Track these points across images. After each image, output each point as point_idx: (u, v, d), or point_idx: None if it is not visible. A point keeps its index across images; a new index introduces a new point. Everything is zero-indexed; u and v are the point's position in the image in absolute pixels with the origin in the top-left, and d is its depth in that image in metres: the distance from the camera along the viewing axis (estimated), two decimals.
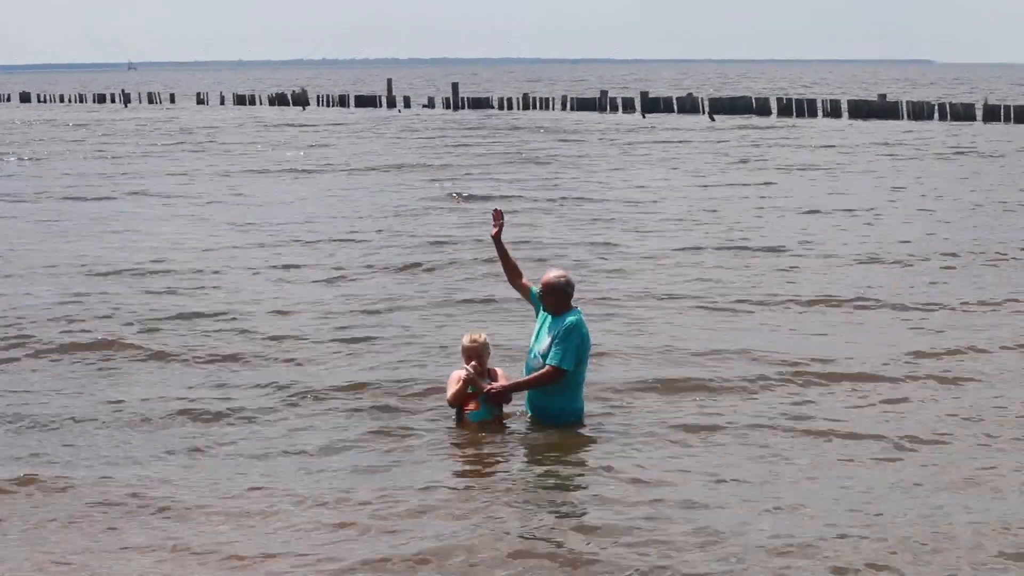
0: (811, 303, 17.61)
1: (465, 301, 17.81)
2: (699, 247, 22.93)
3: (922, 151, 46.67)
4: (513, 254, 12.17)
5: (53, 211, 29.80)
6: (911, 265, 20.88)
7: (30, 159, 46.51)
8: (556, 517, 9.53)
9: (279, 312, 17.30)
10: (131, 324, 16.35)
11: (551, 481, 10.30)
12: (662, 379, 13.49)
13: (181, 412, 12.42)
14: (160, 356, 14.75)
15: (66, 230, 26.23)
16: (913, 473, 10.52)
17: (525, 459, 10.87)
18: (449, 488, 10.16)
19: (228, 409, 12.51)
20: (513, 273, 11.95)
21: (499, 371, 11.68)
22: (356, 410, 12.45)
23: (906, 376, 13.59)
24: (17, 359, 14.71)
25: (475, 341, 11.51)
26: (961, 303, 17.51)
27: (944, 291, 18.43)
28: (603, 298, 17.78)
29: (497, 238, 11.89)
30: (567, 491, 10.12)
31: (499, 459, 10.84)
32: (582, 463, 10.76)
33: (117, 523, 9.49)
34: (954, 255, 21.77)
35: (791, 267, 20.74)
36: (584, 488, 10.17)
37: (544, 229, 25.52)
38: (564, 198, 31.36)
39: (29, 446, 11.38)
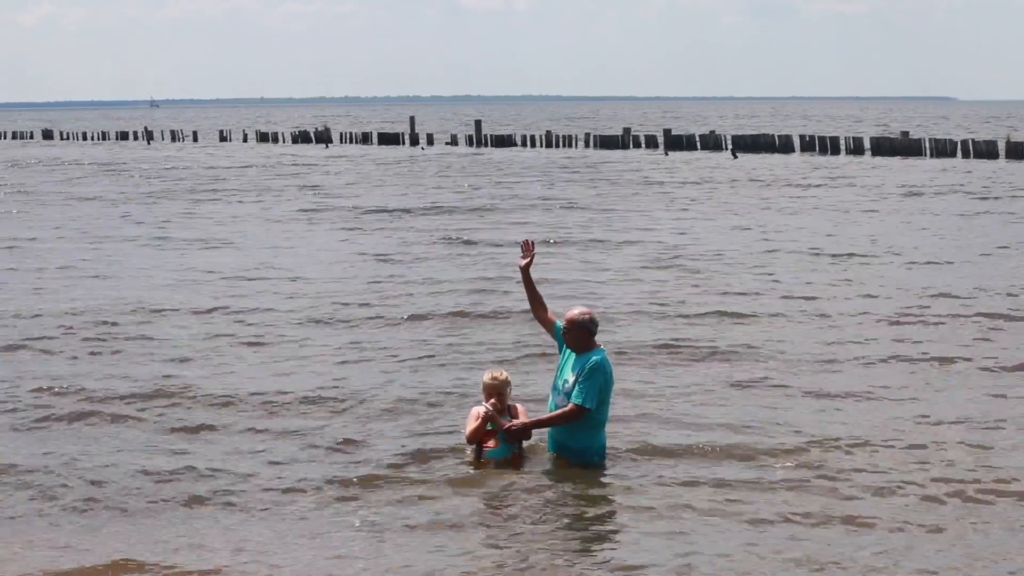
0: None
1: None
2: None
3: None
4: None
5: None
6: None
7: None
8: (576, 555, 9.40)
9: (294, 348, 17.26)
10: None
11: (570, 520, 10.18)
12: (687, 419, 13.36)
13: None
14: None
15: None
16: None
17: (543, 497, 10.73)
18: (465, 526, 10.04)
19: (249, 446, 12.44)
20: (538, 306, 11.84)
21: (520, 408, 11.57)
22: (369, 445, 12.37)
23: None
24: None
25: (495, 379, 11.41)
26: None
27: None
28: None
29: (525, 269, 11.77)
30: (586, 531, 9.98)
31: (517, 497, 10.69)
32: (602, 502, 10.63)
33: None
34: None
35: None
36: (605, 527, 10.05)
37: None
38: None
39: None
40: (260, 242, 30.72)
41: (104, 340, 17.75)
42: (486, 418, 11.31)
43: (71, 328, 18.65)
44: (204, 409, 13.94)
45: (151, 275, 24.65)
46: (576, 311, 11.41)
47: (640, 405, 13.87)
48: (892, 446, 12.27)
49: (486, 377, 11.50)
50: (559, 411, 11.22)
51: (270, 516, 10.40)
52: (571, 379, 11.20)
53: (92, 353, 16.95)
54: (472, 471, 11.38)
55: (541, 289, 12.17)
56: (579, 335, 11.29)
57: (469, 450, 11.61)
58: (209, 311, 20.22)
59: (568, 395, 11.18)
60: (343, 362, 16.39)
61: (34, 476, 11.44)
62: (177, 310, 20.26)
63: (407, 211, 38.97)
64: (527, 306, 12.09)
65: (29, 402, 14.28)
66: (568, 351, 11.40)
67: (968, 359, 16.21)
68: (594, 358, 11.21)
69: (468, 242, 30.03)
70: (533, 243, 12.00)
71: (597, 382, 11.14)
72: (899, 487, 10.98)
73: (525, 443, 11.51)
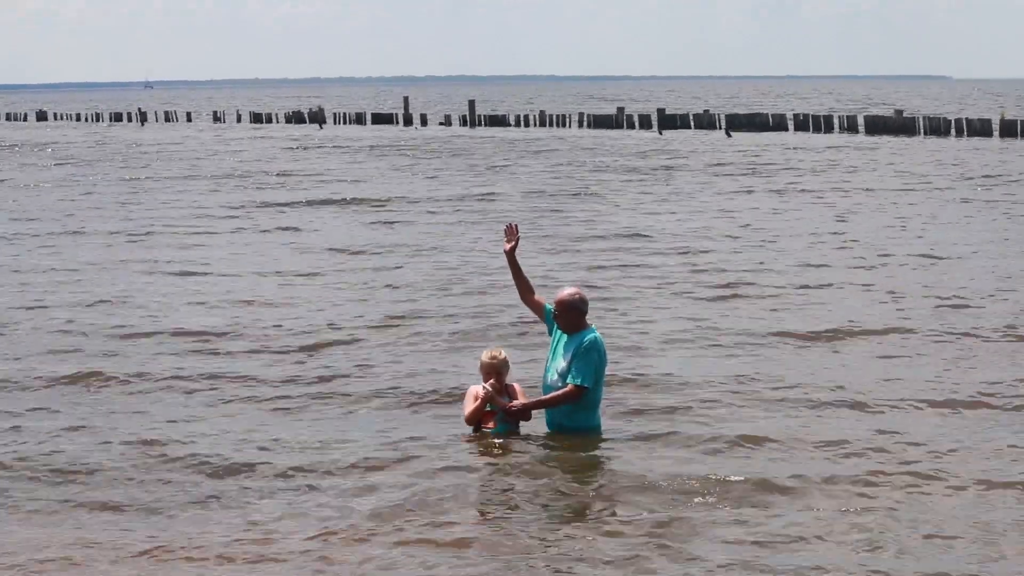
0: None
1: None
2: None
3: None
4: None
5: None
6: None
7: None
8: (571, 538, 9.44)
9: (296, 319, 17.35)
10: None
11: (567, 500, 10.20)
12: (681, 396, 13.46)
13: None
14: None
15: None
16: None
17: (541, 476, 10.72)
18: (463, 507, 10.07)
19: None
20: (526, 290, 11.82)
21: (517, 387, 11.53)
22: (366, 425, 12.45)
23: None
24: None
25: (494, 358, 11.34)
26: None
27: None
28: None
29: (511, 254, 11.78)
30: (583, 510, 10.02)
31: (514, 477, 10.70)
32: (599, 482, 10.63)
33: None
34: None
35: None
36: (602, 506, 10.08)
37: None
38: None
39: None
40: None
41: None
42: (485, 399, 11.29)
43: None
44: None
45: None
46: (566, 292, 11.40)
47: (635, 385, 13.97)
48: None
49: (484, 356, 11.42)
50: (558, 392, 11.21)
51: (266, 497, 10.45)
52: (565, 360, 11.21)
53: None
54: (470, 451, 11.37)
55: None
56: (570, 316, 11.29)
57: (468, 430, 11.63)
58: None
59: (563, 376, 11.18)
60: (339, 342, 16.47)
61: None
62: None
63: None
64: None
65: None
66: (559, 333, 11.39)
67: None
68: (588, 337, 11.22)
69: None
70: (517, 227, 11.96)
71: (592, 361, 11.15)
72: None
73: (523, 424, 11.52)
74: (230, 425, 12.54)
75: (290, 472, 10.96)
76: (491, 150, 61.00)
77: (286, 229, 29.60)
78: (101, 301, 19.51)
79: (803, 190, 38.27)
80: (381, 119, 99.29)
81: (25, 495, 10.49)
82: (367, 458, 11.29)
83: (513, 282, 11.95)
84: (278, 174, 47.25)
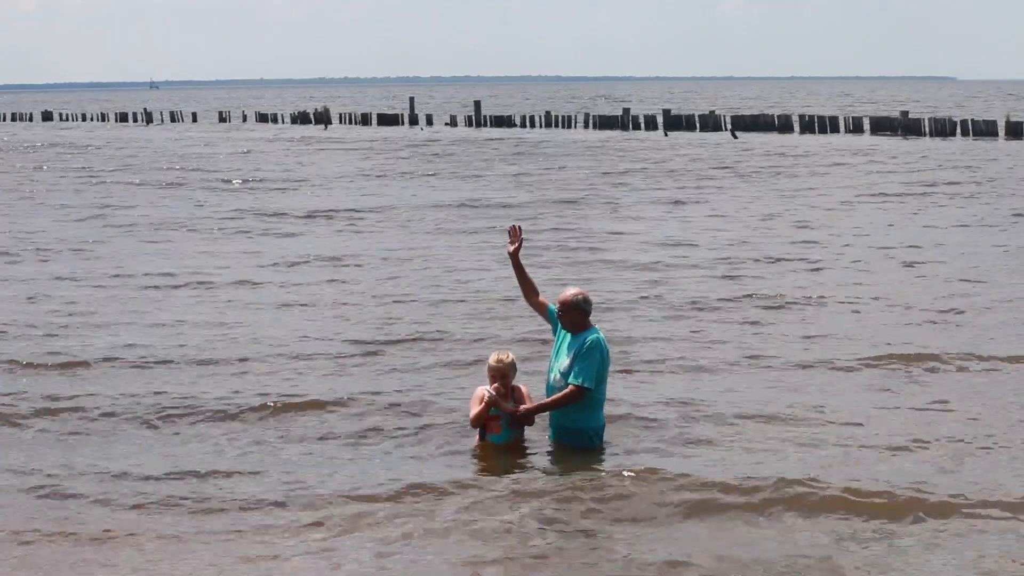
0: None
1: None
2: None
3: None
4: None
5: None
6: None
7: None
8: (579, 538, 9.48)
9: (299, 324, 17.36)
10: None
11: (573, 504, 10.21)
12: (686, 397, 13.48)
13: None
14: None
15: None
16: None
17: (544, 480, 10.76)
18: (466, 509, 10.08)
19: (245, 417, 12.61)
20: (530, 291, 11.85)
21: (524, 389, 11.52)
22: (373, 427, 12.48)
23: None
24: None
25: (501, 361, 11.33)
26: None
27: None
28: None
29: (515, 255, 11.80)
30: (587, 515, 10.01)
31: (520, 482, 10.71)
32: (603, 485, 10.63)
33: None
34: None
35: None
36: (606, 510, 10.10)
37: None
38: None
39: None
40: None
41: None
42: (488, 403, 11.27)
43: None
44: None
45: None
46: (570, 292, 11.41)
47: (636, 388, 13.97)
48: None
49: (491, 359, 11.39)
50: (561, 394, 11.23)
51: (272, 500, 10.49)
52: (568, 360, 11.23)
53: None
54: (475, 455, 11.40)
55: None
56: (574, 316, 11.31)
57: (473, 432, 11.64)
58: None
59: (566, 376, 11.20)
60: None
61: None
62: None
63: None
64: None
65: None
66: (563, 333, 11.41)
67: None
68: (590, 337, 11.23)
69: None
70: (520, 228, 11.98)
71: (595, 361, 11.17)
72: None
73: (528, 428, 11.49)
74: (229, 444, 12.59)
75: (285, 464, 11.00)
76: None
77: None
78: None
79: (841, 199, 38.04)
80: (387, 120, 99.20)
81: None
82: (356, 457, 11.36)
83: (518, 283, 11.97)
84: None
